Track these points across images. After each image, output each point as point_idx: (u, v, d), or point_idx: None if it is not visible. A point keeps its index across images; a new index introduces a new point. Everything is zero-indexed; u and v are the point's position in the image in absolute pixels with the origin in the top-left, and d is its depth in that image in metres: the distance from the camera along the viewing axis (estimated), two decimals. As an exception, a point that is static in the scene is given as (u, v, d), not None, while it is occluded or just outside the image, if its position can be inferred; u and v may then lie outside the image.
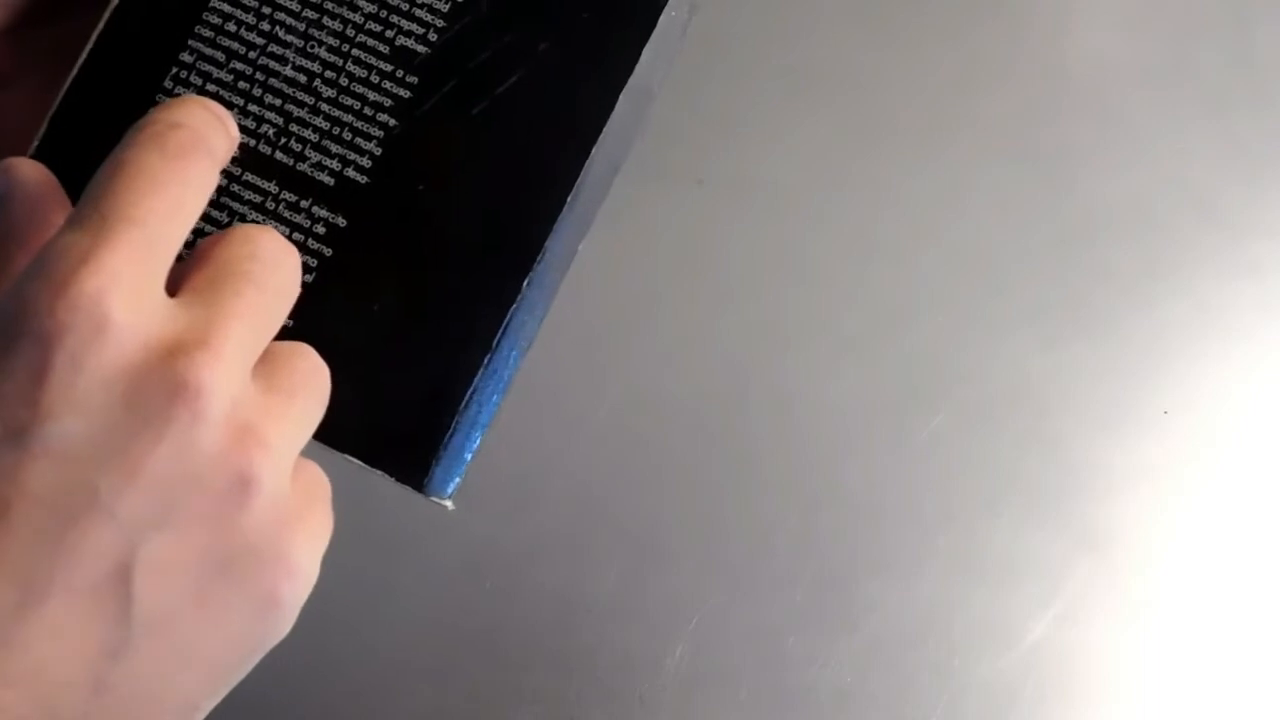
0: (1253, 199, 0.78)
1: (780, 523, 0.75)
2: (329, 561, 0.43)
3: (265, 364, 0.41)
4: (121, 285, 0.38)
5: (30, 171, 0.44)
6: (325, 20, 0.46)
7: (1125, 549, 0.75)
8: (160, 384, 0.38)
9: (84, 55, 0.46)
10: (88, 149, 0.45)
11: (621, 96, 0.46)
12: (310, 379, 0.43)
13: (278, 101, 0.46)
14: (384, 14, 0.46)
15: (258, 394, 0.40)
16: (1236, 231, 0.78)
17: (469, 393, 0.45)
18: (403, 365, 0.45)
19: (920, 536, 0.75)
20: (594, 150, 0.45)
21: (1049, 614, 0.74)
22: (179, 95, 0.45)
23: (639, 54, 0.46)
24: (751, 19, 0.80)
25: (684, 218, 0.77)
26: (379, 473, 0.45)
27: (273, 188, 0.45)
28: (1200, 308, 0.77)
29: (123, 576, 0.38)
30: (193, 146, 0.42)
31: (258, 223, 0.45)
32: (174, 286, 0.41)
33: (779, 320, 0.77)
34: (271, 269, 0.42)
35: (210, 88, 0.46)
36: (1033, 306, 0.77)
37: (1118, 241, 0.77)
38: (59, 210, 0.44)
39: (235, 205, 0.45)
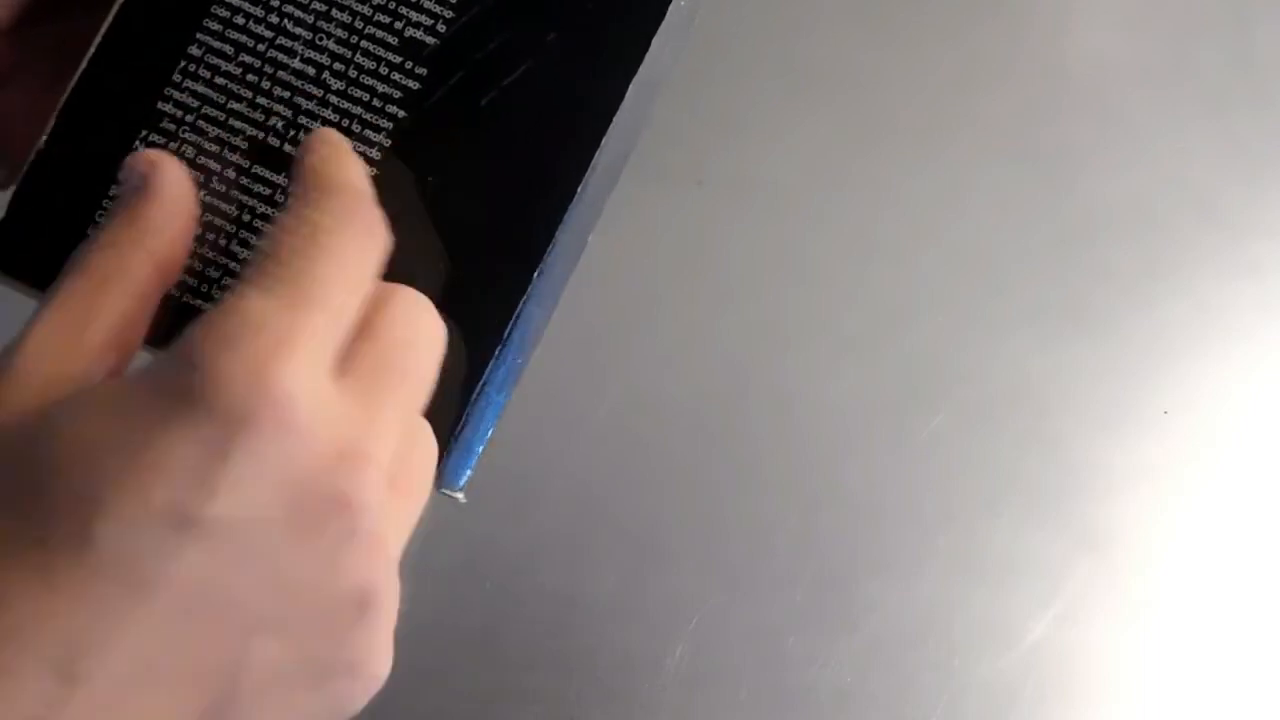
0: (1253, 199, 0.78)
1: (780, 523, 0.75)
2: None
3: (399, 460, 0.40)
4: (311, 377, 0.37)
5: (179, 175, 0.42)
6: (334, 12, 0.46)
7: (1125, 549, 0.75)
8: (326, 495, 0.37)
9: (92, 49, 0.46)
10: (96, 144, 0.45)
11: (631, 86, 0.46)
12: (428, 475, 0.42)
13: (286, 94, 0.46)
14: (392, 5, 0.46)
15: (390, 500, 0.39)
16: (1236, 231, 0.78)
17: (480, 385, 0.45)
18: None
19: (920, 536, 0.75)
20: (603, 141, 0.45)
21: (1049, 614, 0.74)
22: (327, 134, 0.44)
23: (649, 44, 0.46)
24: (751, 19, 0.80)
25: (684, 218, 0.77)
26: None
27: (282, 180, 0.45)
28: (1200, 308, 0.77)
29: (232, 674, 0.37)
30: (377, 219, 0.41)
31: (270, 217, 0.45)
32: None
33: (779, 320, 0.77)
34: (426, 356, 0.41)
35: (219, 81, 0.46)
36: (1033, 306, 0.77)
37: (1118, 241, 0.78)
38: (192, 225, 0.42)
39: (244, 199, 0.45)
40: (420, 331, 0.41)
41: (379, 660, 0.40)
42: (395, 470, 0.40)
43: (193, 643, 0.37)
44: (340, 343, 0.39)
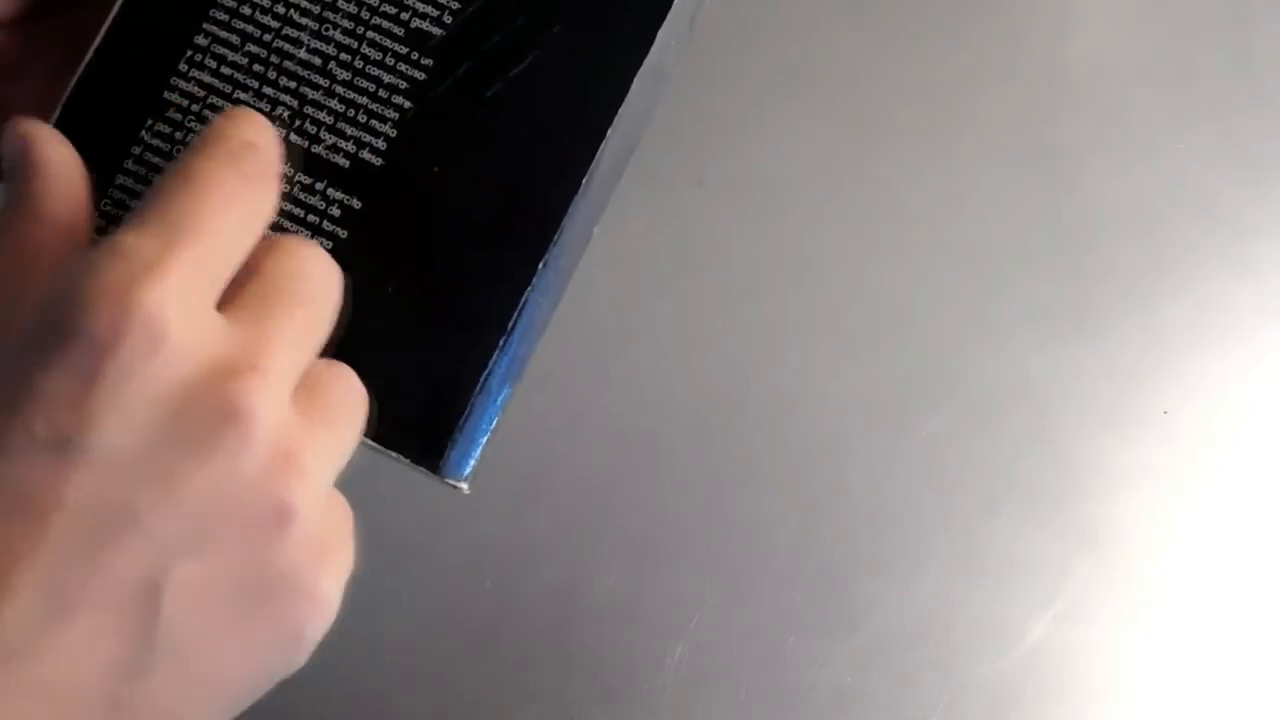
0: (1253, 199, 0.78)
1: (780, 523, 0.74)
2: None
3: (307, 388, 0.41)
4: (182, 300, 0.38)
5: (61, 147, 0.43)
6: (340, 3, 0.46)
7: (1125, 549, 0.75)
8: (210, 406, 0.38)
9: (98, 40, 0.46)
10: (103, 134, 0.46)
11: (637, 77, 0.46)
12: (349, 405, 0.42)
13: (292, 84, 0.46)
14: None
15: (300, 420, 0.40)
16: (1236, 231, 0.78)
17: (484, 375, 0.45)
18: (418, 348, 0.45)
19: (920, 536, 0.75)
20: (609, 132, 0.45)
21: (1049, 614, 0.74)
22: (240, 108, 0.44)
23: (655, 34, 0.46)
24: (751, 19, 0.80)
25: (684, 218, 0.77)
26: (394, 455, 0.45)
27: (288, 170, 0.45)
28: (1200, 307, 0.77)
29: (152, 597, 0.38)
30: (263, 169, 0.41)
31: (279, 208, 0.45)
32: (222, 297, 0.40)
33: (779, 320, 0.77)
34: (318, 289, 0.42)
35: (225, 71, 0.46)
36: (1033, 306, 0.77)
37: (1118, 241, 0.78)
38: (88, 194, 0.43)
39: None
40: (309, 263, 0.42)
41: (316, 577, 0.40)
42: (306, 398, 0.40)
43: (104, 569, 0.37)
44: (220, 277, 0.40)
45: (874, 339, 0.76)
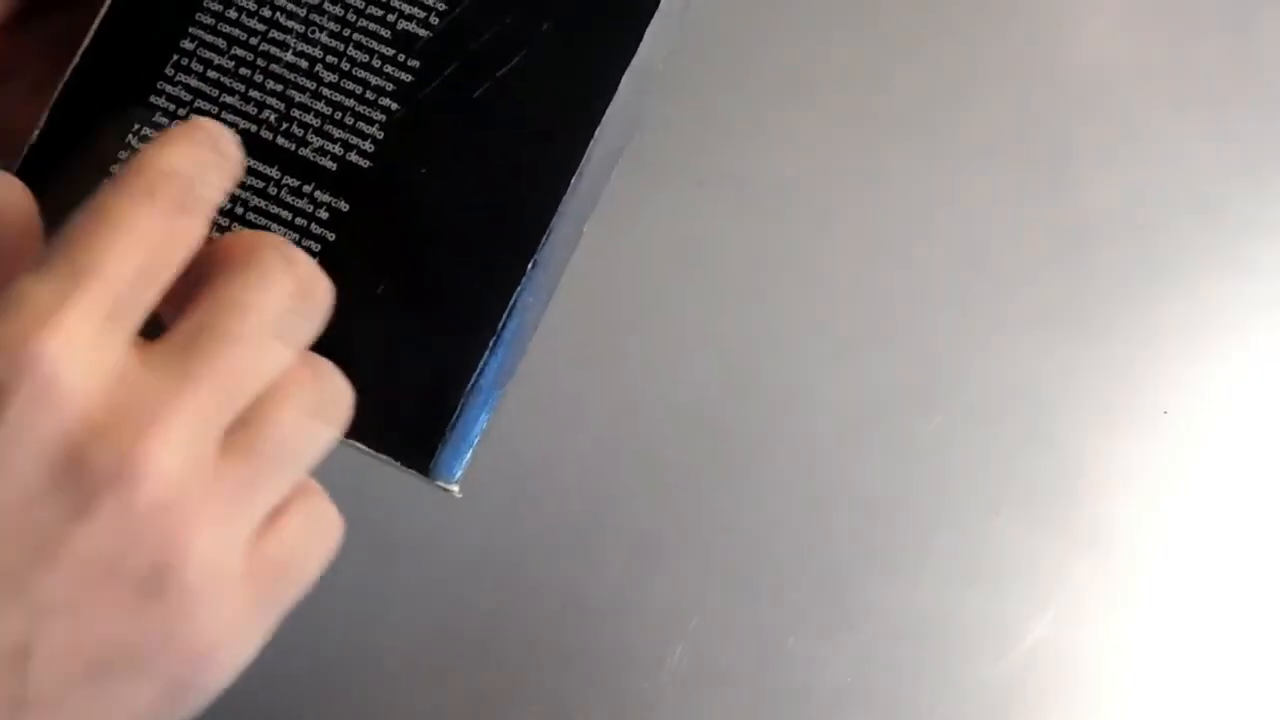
0: (1252, 199, 0.78)
1: (780, 523, 0.74)
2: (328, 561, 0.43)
3: (240, 428, 0.39)
4: (78, 347, 0.36)
5: (10, 193, 0.42)
6: (326, 5, 0.46)
7: (1125, 549, 0.75)
8: (96, 464, 0.36)
9: (85, 44, 0.46)
10: (89, 139, 0.46)
11: (625, 76, 0.46)
12: (292, 439, 0.40)
13: (279, 87, 0.46)
14: None
15: (216, 465, 0.38)
16: (1236, 231, 0.78)
17: (475, 376, 0.45)
18: (407, 349, 0.45)
19: (920, 536, 0.74)
20: (597, 131, 0.45)
21: (1049, 614, 0.74)
22: (180, 121, 0.43)
23: (642, 34, 0.46)
24: (751, 19, 0.80)
25: (684, 218, 0.77)
26: (384, 458, 0.45)
27: (275, 173, 0.45)
28: (1200, 307, 0.77)
29: (21, 657, 0.37)
30: (184, 199, 0.39)
31: (263, 209, 0.45)
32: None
33: (779, 320, 0.76)
34: (253, 325, 0.39)
35: (211, 74, 0.46)
36: (1032, 306, 0.77)
37: (1117, 241, 0.77)
38: (32, 242, 0.41)
39: (238, 192, 0.45)
40: (249, 295, 0.40)
41: (202, 634, 0.39)
42: (241, 437, 0.39)
43: None
44: (129, 319, 0.38)
45: (874, 339, 0.76)
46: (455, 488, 0.45)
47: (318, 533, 0.42)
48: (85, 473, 0.36)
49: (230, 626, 0.39)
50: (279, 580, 0.41)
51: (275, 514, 0.41)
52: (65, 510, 0.36)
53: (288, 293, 0.40)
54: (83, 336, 0.37)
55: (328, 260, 0.44)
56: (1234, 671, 0.74)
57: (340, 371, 0.41)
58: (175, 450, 0.37)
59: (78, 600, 0.37)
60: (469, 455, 0.45)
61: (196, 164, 0.40)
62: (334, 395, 0.42)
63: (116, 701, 0.39)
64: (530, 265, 0.45)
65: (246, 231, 0.43)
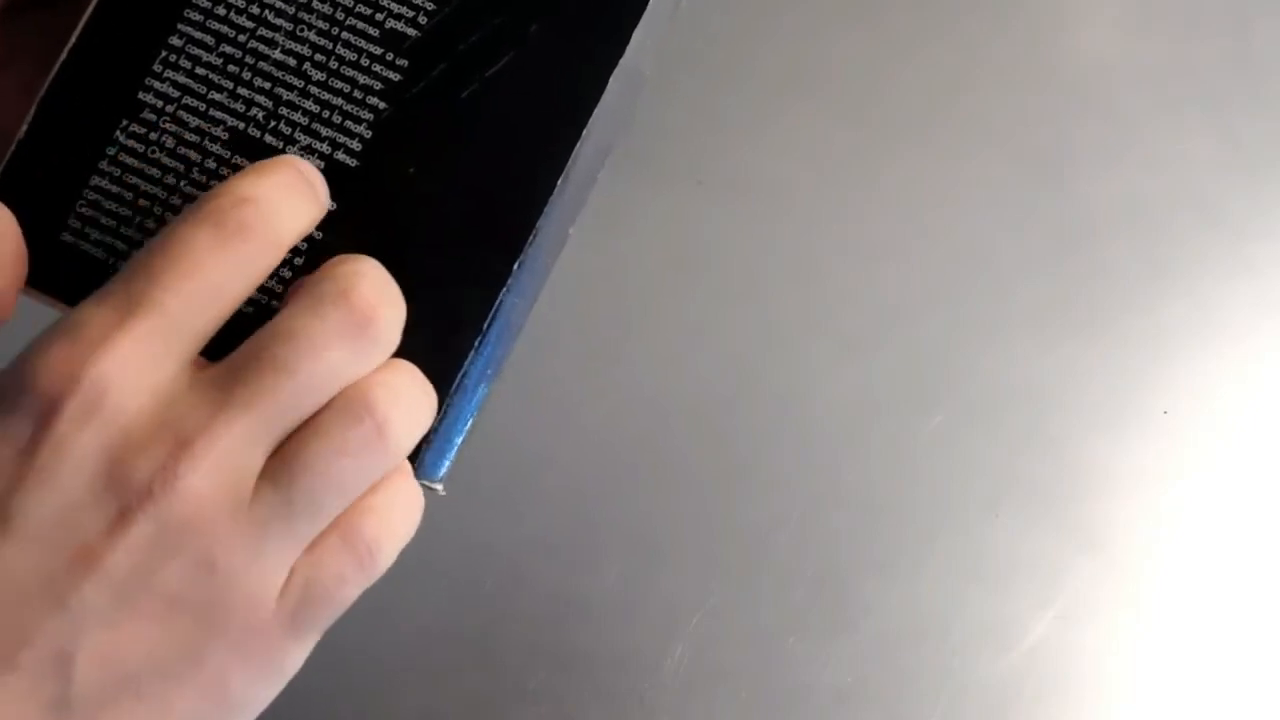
0: (1252, 199, 0.78)
1: (780, 523, 0.74)
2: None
3: (283, 456, 0.40)
4: (128, 368, 0.38)
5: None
6: (314, 3, 0.46)
7: (1125, 549, 0.75)
8: (130, 479, 0.38)
9: (73, 39, 0.46)
10: (77, 135, 0.46)
11: (612, 78, 0.46)
12: (335, 473, 0.40)
13: (267, 85, 0.46)
14: None
15: (254, 490, 0.39)
16: (1235, 231, 0.78)
17: (459, 376, 0.45)
18: None
19: (920, 536, 0.74)
20: (584, 132, 0.45)
21: (1049, 614, 0.74)
22: (263, 163, 0.43)
23: (630, 35, 0.46)
24: (750, 18, 0.80)
25: (684, 218, 0.77)
26: None
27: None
28: (1199, 307, 0.77)
29: (65, 662, 0.38)
30: (254, 225, 0.40)
31: None
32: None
33: (779, 320, 0.77)
34: (302, 353, 0.40)
35: (199, 71, 0.46)
36: (1033, 306, 0.77)
37: (1117, 241, 0.77)
38: (17, 265, 0.43)
39: None
40: (296, 323, 0.40)
41: (226, 663, 0.40)
42: (275, 465, 0.40)
43: (23, 634, 0.37)
44: (186, 345, 0.39)
45: (874, 339, 0.76)
46: (440, 486, 0.45)
47: (352, 563, 0.42)
48: (123, 486, 0.38)
49: (258, 650, 0.40)
50: (310, 606, 0.41)
51: (318, 540, 0.41)
52: (104, 522, 0.38)
53: (342, 322, 0.41)
54: (134, 358, 0.38)
55: (314, 258, 0.44)
56: (1234, 671, 0.74)
57: (403, 401, 0.42)
58: (209, 472, 0.38)
59: (116, 610, 0.38)
60: (454, 455, 0.45)
61: (277, 189, 0.41)
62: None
63: (162, 713, 0.39)
64: (516, 266, 0.45)
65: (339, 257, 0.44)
